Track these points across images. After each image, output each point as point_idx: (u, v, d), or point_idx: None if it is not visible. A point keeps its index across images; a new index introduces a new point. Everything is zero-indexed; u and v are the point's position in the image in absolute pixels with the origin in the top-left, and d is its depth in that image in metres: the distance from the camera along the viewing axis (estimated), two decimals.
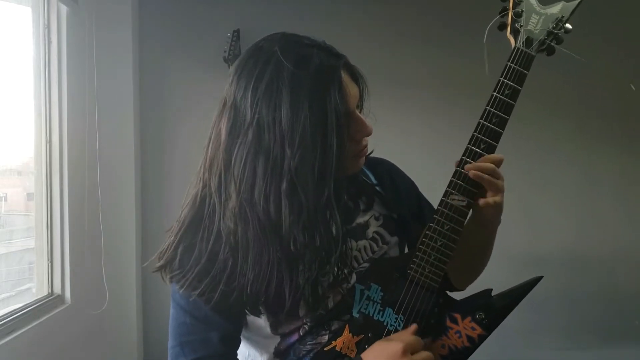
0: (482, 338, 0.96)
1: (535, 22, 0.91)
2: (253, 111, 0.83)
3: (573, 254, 2.95)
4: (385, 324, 0.96)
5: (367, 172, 1.09)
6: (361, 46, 2.67)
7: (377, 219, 1.04)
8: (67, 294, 2.36)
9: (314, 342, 0.96)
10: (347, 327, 0.96)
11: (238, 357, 0.98)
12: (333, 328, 0.97)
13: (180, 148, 2.83)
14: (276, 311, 0.92)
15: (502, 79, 0.90)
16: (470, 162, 0.91)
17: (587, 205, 2.98)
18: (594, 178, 2.98)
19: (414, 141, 2.88)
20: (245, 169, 0.84)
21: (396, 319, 0.96)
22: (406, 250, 1.08)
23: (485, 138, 0.91)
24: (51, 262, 2.34)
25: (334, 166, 0.84)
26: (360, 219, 1.02)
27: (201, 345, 0.92)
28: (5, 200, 2.35)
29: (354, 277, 0.98)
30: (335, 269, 0.91)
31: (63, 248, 2.35)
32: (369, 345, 0.94)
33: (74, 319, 2.35)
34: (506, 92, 0.90)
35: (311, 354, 0.96)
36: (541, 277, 0.96)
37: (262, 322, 0.95)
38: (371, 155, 1.06)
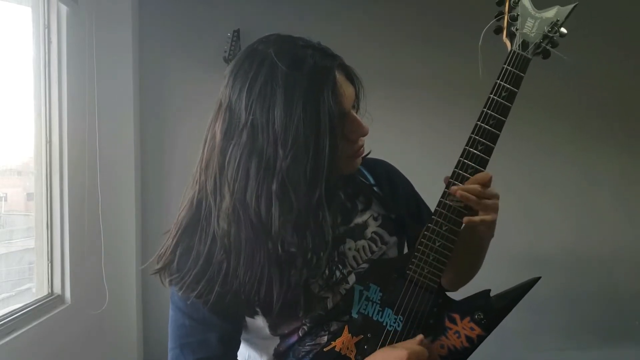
0: (481, 338, 0.96)
1: (531, 26, 0.92)
2: (247, 113, 0.84)
3: (573, 254, 2.95)
4: (384, 324, 0.96)
5: (365, 172, 1.09)
6: (361, 46, 2.68)
7: (375, 219, 1.04)
8: (67, 294, 2.36)
9: (313, 343, 0.97)
10: (346, 327, 0.96)
11: (238, 358, 0.98)
12: (332, 329, 0.97)
13: (180, 148, 2.83)
14: (271, 312, 0.92)
15: (498, 81, 0.91)
16: (468, 163, 0.91)
17: (587, 205, 2.98)
18: (594, 178, 2.98)
19: (414, 141, 2.88)
20: (239, 170, 0.84)
21: (395, 319, 0.96)
22: (405, 251, 1.09)
23: (483, 139, 0.91)
24: (51, 262, 2.34)
25: (326, 167, 0.84)
26: (359, 219, 1.02)
27: (200, 346, 0.92)
28: (5, 200, 2.35)
29: (352, 278, 0.98)
30: (327, 269, 0.91)
31: (63, 248, 2.35)
32: (368, 346, 0.94)
33: (74, 319, 2.35)
34: (503, 94, 0.91)
35: (310, 355, 0.96)
36: (539, 278, 0.96)
37: (260, 323, 0.95)
38: (369, 156, 1.06)
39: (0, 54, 2.19)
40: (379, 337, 0.95)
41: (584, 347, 2.92)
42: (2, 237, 2.34)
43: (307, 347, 0.96)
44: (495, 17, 0.95)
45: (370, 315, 0.96)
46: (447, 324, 0.97)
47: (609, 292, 2.95)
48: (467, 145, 0.92)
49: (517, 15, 0.93)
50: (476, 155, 0.91)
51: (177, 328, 0.94)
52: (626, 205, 2.98)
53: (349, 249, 0.99)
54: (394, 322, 0.96)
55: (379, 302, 0.96)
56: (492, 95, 0.91)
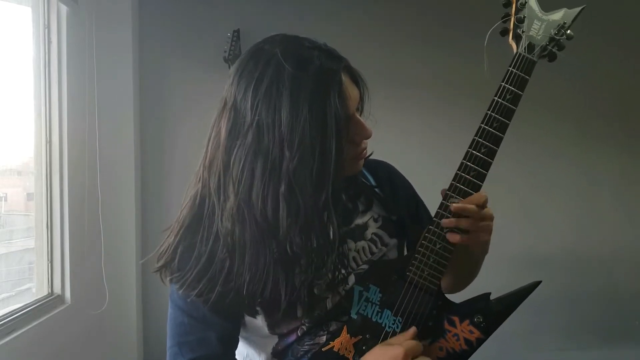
0: (480, 341, 0.96)
1: (538, 28, 0.92)
2: (253, 113, 0.83)
3: (573, 254, 2.95)
4: (383, 325, 0.96)
5: (367, 173, 1.09)
6: (361, 46, 2.68)
7: (376, 220, 1.04)
8: (67, 294, 2.36)
9: (312, 342, 0.97)
10: (345, 328, 0.96)
11: (236, 357, 0.98)
12: (331, 329, 0.97)
13: (180, 148, 2.83)
14: (273, 312, 0.92)
15: (503, 83, 0.90)
16: (471, 165, 0.91)
17: (587, 205, 2.98)
18: (594, 178, 2.98)
19: (414, 141, 2.88)
20: (244, 170, 0.84)
21: (394, 320, 0.96)
22: (405, 253, 1.08)
23: (486, 142, 0.91)
24: (51, 262, 2.34)
25: (332, 169, 0.84)
26: (359, 220, 1.03)
27: (199, 345, 0.92)
28: (5, 200, 2.35)
29: (352, 279, 0.98)
30: (331, 271, 0.91)
31: (63, 248, 2.35)
32: (366, 347, 0.94)
33: (74, 319, 2.35)
34: (507, 97, 0.90)
35: (309, 355, 0.96)
36: (539, 282, 0.96)
37: (259, 322, 0.95)
38: (370, 157, 1.06)
39: (0, 54, 2.19)
40: (378, 338, 0.95)
41: (584, 347, 2.92)
42: (2, 237, 2.34)
43: (306, 347, 0.97)
44: (502, 18, 0.94)
45: (369, 316, 0.96)
46: (447, 326, 0.97)
47: (609, 292, 2.95)
48: (470, 147, 0.91)
49: (524, 17, 0.92)
50: (479, 158, 0.91)
51: (176, 326, 0.94)
52: (626, 205, 2.98)
53: (349, 249, 0.99)
54: (393, 324, 0.96)
55: (378, 303, 0.96)
56: (496, 98, 0.90)
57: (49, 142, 2.33)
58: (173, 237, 0.92)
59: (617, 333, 2.95)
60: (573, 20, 0.91)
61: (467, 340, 0.96)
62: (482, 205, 0.90)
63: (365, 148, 0.96)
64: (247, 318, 0.95)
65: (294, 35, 0.90)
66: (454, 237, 0.90)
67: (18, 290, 2.33)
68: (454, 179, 0.92)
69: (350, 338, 0.96)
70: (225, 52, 2.68)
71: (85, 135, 2.46)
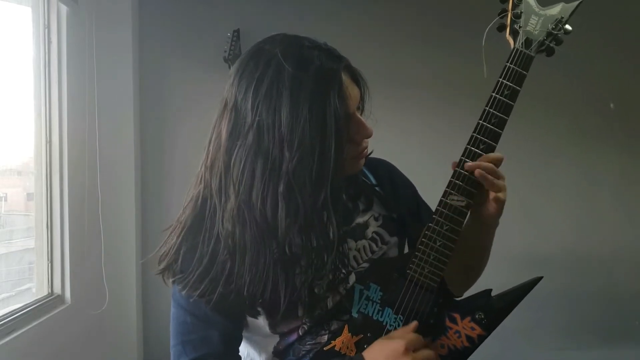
0: (481, 338, 0.96)
1: (535, 23, 0.92)
2: (254, 113, 0.84)
3: (573, 254, 2.95)
4: (384, 323, 0.96)
5: (367, 172, 1.10)
6: (361, 46, 2.68)
7: (376, 219, 1.04)
8: (67, 294, 2.36)
9: (313, 342, 0.97)
10: (346, 327, 0.96)
11: None
12: (332, 328, 0.97)
13: (180, 148, 2.83)
14: (273, 312, 0.92)
15: (501, 79, 0.91)
16: (469, 162, 0.91)
17: (587, 205, 2.98)
18: (594, 178, 2.98)
19: (414, 141, 2.88)
20: (245, 171, 0.84)
21: (395, 318, 0.96)
22: (405, 251, 1.09)
23: (485, 138, 0.91)
24: (51, 262, 2.34)
25: (332, 169, 0.84)
26: (360, 219, 1.03)
27: (202, 343, 0.92)
28: (5, 200, 2.35)
29: (353, 277, 0.98)
30: (331, 271, 0.91)
31: (63, 248, 2.35)
32: (368, 345, 0.94)
33: (74, 319, 2.35)
34: (505, 92, 0.90)
35: (311, 354, 0.96)
36: (541, 278, 0.96)
37: (260, 322, 0.95)
38: (371, 156, 1.06)
39: (0, 54, 2.19)
40: (379, 337, 0.95)
41: (584, 347, 2.92)
42: (2, 237, 2.34)
43: (308, 346, 0.97)
44: (499, 14, 0.94)
45: (370, 314, 0.97)
46: (448, 323, 0.97)
47: (609, 292, 2.94)
48: (469, 143, 0.92)
49: (521, 12, 0.92)
50: (478, 154, 0.91)
51: (179, 325, 0.95)
52: (626, 205, 2.98)
53: (350, 249, 0.99)
54: (394, 322, 0.96)
55: (379, 301, 0.97)
56: (494, 94, 0.91)
57: (49, 142, 2.33)
58: (175, 238, 0.92)
59: (617, 333, 2.95)
60: (570, 15, 0.91)
61: (468, 337, 0.96)
62: (498, 164, 0.91)
63: (366, 147, 0.96)
64: (249, 318, 0.95)
65: (294, 35, 0.91)
66: (479, 173, 0.89)
67: (18, 290, 2.33)
68: (452, 176, 0.92)
69: (352, 337, 0.96)
70: (225, 52, 2.68)
71: (85, 135, 2.46)
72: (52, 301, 2.28)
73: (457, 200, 0.91)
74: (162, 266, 0.93)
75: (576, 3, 0.92)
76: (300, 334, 0.97)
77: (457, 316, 0.96)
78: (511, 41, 0.93)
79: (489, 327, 0.95)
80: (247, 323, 0.97)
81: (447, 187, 0.93)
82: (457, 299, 0.99)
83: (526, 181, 2.90)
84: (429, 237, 0.94)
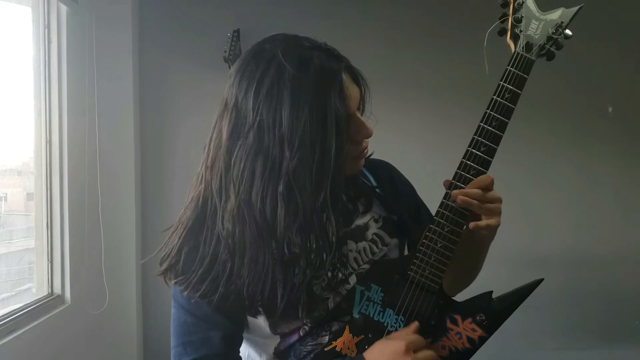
0: (482, 340, 0.96)
1: (535, 28, 0.92)
2: (254, 113, 0.84)
3: (573, 254, 2.95)
4: (385, 324, 0.96)
5: (367, 173, 1.10)
6: (361, 46, 2.67)
7: (376, 220, 1.04)
8: (67, 294, 2.36)
9: (314, 342, 0.97)
10: (347, 327, 0.96)
11: None
12: (333, 329, 0.97)
13: (180, 148, 2.83)
14: (273, 312, 0.92)
15: (502, 82, 0.91)
16: (470, 164, 0.91)
17: (587, 205, 2.98)
18: (594, 178, 2.98)
19: (414, 141, 2.88)
20: (245, 171, 0.84)
21: (396, 319, 0.96)
22: (406, 252, 1.09)
23: (485, 141, 0.91)
24: (51, 262, 2.33)
25: (332, 169, 0.84)
26: (360, 221, 1.03)
27: (203, 344, 0.93)
28: (5, 200, 2.35)
29: (354, 278, 0.98)
30: (330, 271, 0.91)
31: (63, 248, 2.35)
32: (369, 346, 0.94)
33: (74, 319, 2.35)
34: (506, 95, 0.91)
35: (312, 355, 0.96)
36: (542, 280, 0.96)
37: (261, 322, 0.95)
38: (371, 157, 1.06)
39: (0, 54, 2.19)
40: (380, 338, 0.95)
41: (584, 347, 2.92)
42: (2, 237, 2.34)
43: (309, 347, 0.97)
44: (500, 18, 0.95)
45: (371, 315, 0.97)
46: (449, 325, 0.97)
47: (609, 292, 2.95)
48: (469, 146, 0.92)
49: (522, 17, 0.92)
50: (478, 157, 0.91)
51: (180, 325, 0.95)
52: (626, 205, 2.98)
53: (350, 250, 0.99)
54: (395, 323, 0.96)
55: (380, 302, 0.97)
56: (495, 97, 0.91)
57: (49, 142, 2.32)
58: (177, 239, 0.92)
59: (617, 333, 2.95)
60: (570, 20, 0.92)
61: (469, 339, 0.96)
62: (487, 188, 0.90)
63: (366, 147, 0.96)
64: (250, 318, 0.95)
65: (294, 34, 0.91)
66: (463, 200, 0.90)
67: (18, 290, 2.33)
68: (454, 178, 0.92)
69: (353, 338, 0.96)
70: (225, 52, 2.68)
71: (85, 135, 2.46)
72: (52, 301, 2.28)
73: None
74: (163, 267, 0.93)
75: (576, 8, 0.92)
76: (301, 334, 0.97)
77: (458, 317, 0.97)
78: (512, 45, 0.93)
79: (490, 328, 0.96)
80: (247, 324, 0.97)
81: (448, 189, 0.93)
82: (459, 300, 0.99)
83: (526, 181, 2.90)
84: (430, 239, 0.94)
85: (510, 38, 0.94)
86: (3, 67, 2.20)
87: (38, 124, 2.31)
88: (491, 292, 0.97)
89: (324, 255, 0.88)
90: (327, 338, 0.96)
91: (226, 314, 0.92)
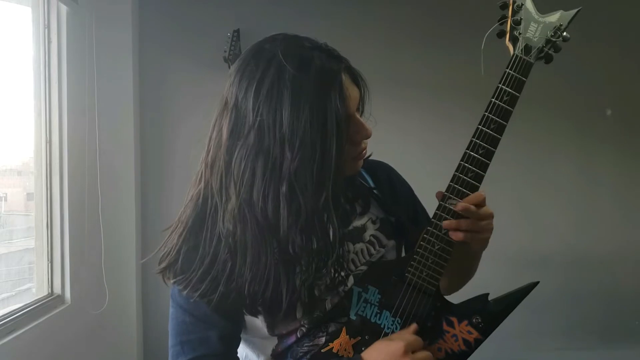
0: (478, 342, 0.96)
1: (534, 30, 0.92)
2: (255, 114, 0.84)
3: (573, 254, 2.95)
4: (382, 326, 0.96)
5: (366, 175, 1.10)
6: (361, 46, 2.68)
7: (374, 222, 1.04)
8: (67, 294, 2.36)
9: (311, 344, 0.97)
10: (344, 329, 0.96)
11: None
12: (330, 330, 0.97)
13: (180, 148, 2.83)
14: (273, 312, 0.92)
15: (500, 85, 0.91)
16: (468, 167, 0.91)
17: (587, 205, 2.98)
18: (594, 178, 2.98)
19: (414, 141, 2.88)
20: (246, 171, 0.84)
21: (393, 321, 0.96)
22: (403, 254, 1.09)
23: (484, 143, 0.91)
24: (51, 262, 2.34)
25: (333, 169, 0.85)
26: (357, 222, 1.03)
27: (201, 343, 0.93)
28: (5, 200, 2.36)
29: (351, 280, 0.98)
30: (332, 271, 0.92)
31: (63, 248, 2.35)
32: (365, 348, 0.94)
33: (74, 319, 2.35)
34: (504, 98, 0.91)
35: (308, 356, 0.96)
36: (537, 283, 0.96)
37: (259, 322, 0.95)
38: (370, 158, 1.06)
39: (0, 54, 2.19)
40: (377, 339, 0.95)
41: (584, 347, 2.92)
42: (2, 237, 2.34)
43: (305, 348, 0.97)
44: (499, 20, 0.94)
45: (368, 317, 0.97)
46: (445, 327, 0.97)
47: (609, 292, 2.95)
48: (467, 148, 0.92)
49: (520, 19, 0.92)
50: (477, 159, 0.91)
51: (178, 325, 0.95)
52: (626, 205, 2.98)
53: (348, 251, 0.99)
54: (392, 325, 0.96)
55: (377, 304, 0.97)
56: (493, 99, 0.91)
57: (49, 142, 2.33)
58: (177, 238, 0.92)
59: (617, 333, 2.95)
60: (569, 22, 0.92)
61: (465, 341, 0.96)
62: (480, 205, 0.90)
63: (365, 148, 0.96)
64: (248, 319, 0.95)
65: (295, 34, 0.91)
66: (456, 235, 0.90)
67: (18, 290, 2.34)
68: (451, 180, 0.92)
69: (350, 339, 0.96)
70: (225, 52, 2.68)
71: (85, 135, 2.46)
72: (52, 301, 2.29)
73: (456, 205, 0.91)
74: (162, 266, 0.93)
75: (575, 11, 0.92)
76: (299, 336, 0.97)
77: (454, 320, 0.97)
78: (511, 47, 0.93)
79: (485, 331, 0.96)
80: (245, 324, 0.97)
81: (447, 190, 0.93)
82: (455, 303, 0.99)
83: (525, 181, 2.90)
84: (428, 241, 0.94)
85: (509, 40, 0.93)
86: (3, 67, 2.20)
87: (38, 124, 2.31)
88: (487, 294, 0.98)
89: (325, 255, 0.89)
90: (323, 339, 0.96)
91: (225, 314, 0.92)
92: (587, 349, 2.92)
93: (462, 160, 0.92)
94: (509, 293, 0.97)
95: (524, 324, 2.55)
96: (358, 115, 0.93)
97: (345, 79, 0.88)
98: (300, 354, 0.96)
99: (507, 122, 0.91)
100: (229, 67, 2.61)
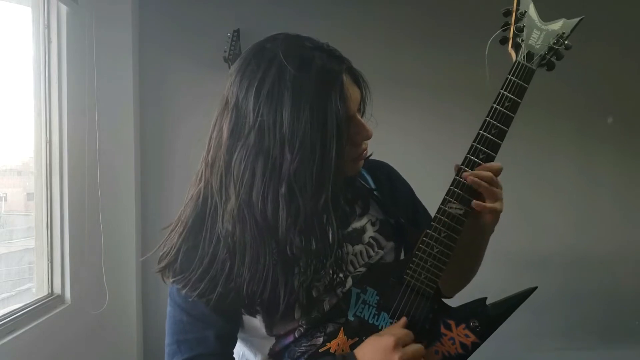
0: (475, 346, 0.96)
1: (537, 38, 0.93)
2: (255, 114, 0.84)
3: (573, 254, 2.95)
4: (379, 327, 0.97)
5: (366, 176, 1.09)
6: (361, 46, 2.67)
7: (373, 224, 1.04)
8: (67, 294, 2.36)
9: (308, 344, 0.97)
10: (342, 330, 0.96)
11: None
12: (328, 330, 0.97)
13: (180, 148, 2.83)
14: (271, 312, 0.92)
15: (502, 91, 0.91)
16: (468, 171, 0.92)
17: (587, 205, 2.98)
18: (594, 178, 2.98)
19: (414, 141, 2.88)
20: (245, 171, 0.85)
21: (390, 323, 0.96)
22: (402, 255, 1.09)
23: (484, 148, 0.91)
24: (51, 262, 2.34)
25: (332, 171, 0.85)
26: (357, 224, 1.03)
27: (197, 343, 0.93)
28: (5, 200, 2.36)
29: (349, 281, 0.98)
30: (331, 273, 0.92)
31: (63, 248, 2.35)
32: None
33: (74, 319, 2.35)
34: (506, 104, 0.91)
35: (305, 356, 0.96)
36: (535, 288, 0.97)
37: (257, 322, 0.96)
38: (370, 158, 1.06)
39: (0, 54, 2.19)
40: None
41: (584, 347, 2.92)
42: (2, 237, 2.35)
43: (303, 348, 0.97)
44: (502, 27, 0.95)
45: (366, 318, 0.97)
46: (443, 330, 0.97)
47: (609, 292, 2.95)
48: (468, 152, 0.92)
49: (523, 26, 0.93)
50: (477, 164, 0.92)
51: (175, 324, 0.95)
52: (626, 205, 2.98)
53: (347, 253, 0.99)
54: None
55: (375, 305, 0.97)
56: (495, 105, 0.91)
57: (49, 142, 2.33)
58: (176, 238, 0.92)
59: (617, 333, 2.95)
60: (572, 31, 0.93)
61: (462, 344, 0.96)
62: (497, 174, 0.91)
63: (365, 149, 0.96)
64: (246, 318, 0.96)
65: (296, 34, 0.91)
66: (477, 205, 0.91)
67: (18, 290, 2.34)
68: (452, 184, 0.93)
69: (347, 340, 0.96)
70: (225, 52, 2.68)
71: (85, 135, 2.46)
72: (52, 301, 2.29)
73: (456, 209, 0.92)
74: (161, 265, 0.93)
75: (577, 19, 0.93)
76: (297, 336, 0.97)
77: (452, 323, 0.97)
78: (513, 54, 0.94)
79: (483, 335, 0.96)
80: (243, 324, 0.97)
81: (447, 194, 0.93)
82: (453, 306, 0.99)
83: (526, 181, 2.90)
84: (427, 244, 0.94)
85: (511, 47, 0.94)
86: (3, 67, 2.20)
87: (38, 124, 2.31)
88: (485, 298, 0.98)
89: (324, 256, 0.89)
90: (321, 339, 0.96)
91: (223, 314, 0.92)
92: (587, 349, 2.92)
93: (462, 164, 0.92)
94: (507, 297, 0.98)
95: (523, 324, 2.55)
96: (359, 116, 0.93)
97: (347, 79, 0.88)
98: (298, 354, 0.97)
99: (508, 127, 0.91)
100: (229, 67, 2.61)
